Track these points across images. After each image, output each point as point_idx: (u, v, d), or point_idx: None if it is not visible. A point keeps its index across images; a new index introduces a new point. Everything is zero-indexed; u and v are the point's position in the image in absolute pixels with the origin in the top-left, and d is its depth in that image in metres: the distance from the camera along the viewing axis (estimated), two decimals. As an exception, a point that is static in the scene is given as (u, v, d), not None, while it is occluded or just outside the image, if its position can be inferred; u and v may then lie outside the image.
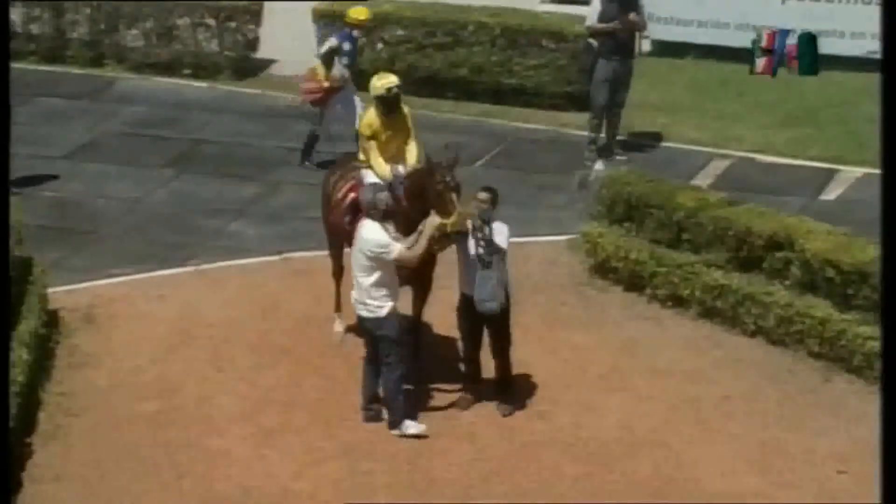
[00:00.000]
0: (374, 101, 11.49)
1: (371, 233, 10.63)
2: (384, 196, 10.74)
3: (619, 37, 15.09)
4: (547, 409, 11.19)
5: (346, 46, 14.68)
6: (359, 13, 14.78)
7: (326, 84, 14.63)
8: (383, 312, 10.67)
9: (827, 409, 11.12)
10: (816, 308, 11.63)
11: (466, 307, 11.00)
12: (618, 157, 15.14)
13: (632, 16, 14.98)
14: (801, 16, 17.08)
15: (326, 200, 11.86)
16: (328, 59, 14.60)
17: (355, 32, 14.84)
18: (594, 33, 15.36)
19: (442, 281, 11.47)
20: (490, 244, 10.80)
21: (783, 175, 15.18)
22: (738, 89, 16.80)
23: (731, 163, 15.53)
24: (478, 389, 11.17)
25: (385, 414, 10.92)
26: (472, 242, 10.86)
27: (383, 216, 10.65)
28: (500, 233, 10.90)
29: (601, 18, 15.15)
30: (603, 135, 15.47)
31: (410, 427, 10.80)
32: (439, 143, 11.75)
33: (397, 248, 10.59)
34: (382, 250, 10.57)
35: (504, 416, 11.04)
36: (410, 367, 11.25)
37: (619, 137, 15.57)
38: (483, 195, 10.93)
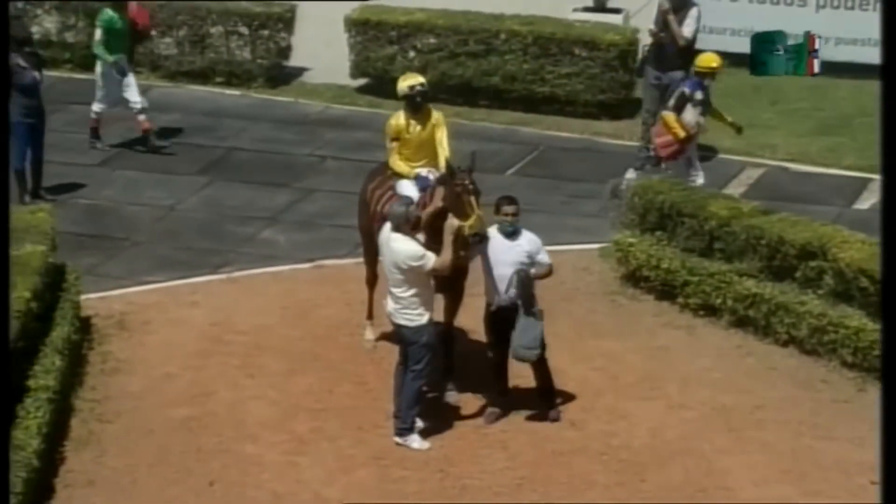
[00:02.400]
0: (403, 101, 11.60)
1: (404, 245, 10.60)
2: (400, 210, 10.70)
3: (662, 45, 15.07)
4: (578, 417, 11.17)
5: (699, 95, 14.32)
6: (709, 60, 14.19)
7: (682, 134, 13.98)
8: (424, 321, 10.66)
9: (861, 418, 11.05)
10: (850, 318, 11.58)
11: (494, 318, 10.97)
12: (664, 168, 15.03)
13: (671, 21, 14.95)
14: (834, 24, 17.02)
15: (364, 208, 11.88)
16: (679, 107, 14.19)
17: (706, 81, 14.22)
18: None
19: (472, 289, 11.46)
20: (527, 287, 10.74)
21: (817, 184, 15.13)
22: (771, 97, 16.75)
23: (764, 171, 15.49)
24: (506, 401, 11.13)
25: (418, 422, 10.91)
26: (501, 255, 10.80)
27: (401, 229, 10.61)
28: (536, 245, 10.87)
29: (655, 23, 15.19)
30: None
31: (415, 442, 10.76)
32: (469, 151, 11.74)
33: (432, 259, 10.57)
34: (419, 262, 10.55)
35: (554, 420, 11.01)
36: (443, 374, 11.28)
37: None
38: (510, 208, 10.89)
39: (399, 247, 10.60)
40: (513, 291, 10.77)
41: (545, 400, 11.13)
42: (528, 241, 10.93)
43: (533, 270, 10.87)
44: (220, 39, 18.03)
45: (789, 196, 14.50)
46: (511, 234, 10.87)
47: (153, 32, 16.72)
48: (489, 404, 11.18)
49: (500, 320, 10.91)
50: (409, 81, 11.64)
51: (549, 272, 11.07)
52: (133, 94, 15.76)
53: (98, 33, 15.64)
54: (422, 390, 10.80)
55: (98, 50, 15.64)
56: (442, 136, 11.62)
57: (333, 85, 17.79)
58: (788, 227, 12.23)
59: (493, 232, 10.89)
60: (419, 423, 10.88)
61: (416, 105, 11.55)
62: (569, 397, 11.34)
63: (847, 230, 12.18)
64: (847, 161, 15.50)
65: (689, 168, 14.20)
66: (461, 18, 17.29)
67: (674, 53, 15.12)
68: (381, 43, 17.44)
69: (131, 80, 15.76)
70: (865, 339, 11.45)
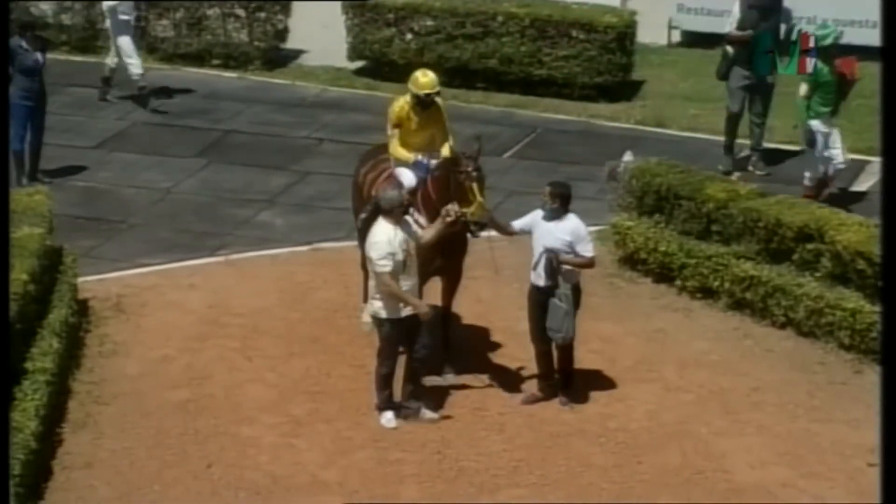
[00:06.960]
0: (410, 96, 11.43)
1: (373, 234, 10.60)
2: (394, 194, 10.67)
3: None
4: (576, 399, 11.17)
5: None
6: None
7: None
8: (383, 315, 10.69)
9: (857, 400, 11.07)
10: (847, 300, 11.59)
11: (532, 300, 10.94)
12: (756, 172, 14.81)
13: None
14: (830, 6, 17.00)
15: (357, 191, 11.88)
16: None
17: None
18: (732, 41, 15.06)
19: (470, 272, 11.47)
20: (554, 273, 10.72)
21: (814, 166, 15.10)
22: (769, 80, 16.71)
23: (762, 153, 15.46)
24: (551, 385, 11.08)
25: (423, 409, 10.95)
26: (540, 237, 10.78)
27: (392, 213, 10.55)
28: (576, 234, 10.79)
29: (740, 26, 14.86)
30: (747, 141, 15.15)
31: (383, 419, 10.83)
32: (468, 134, 11.76)
33: (377, 259, 10.47)
34: (370, 253, 10.55)
35: (563, 405, 11.01)
36: (440, 356, 11.30)
37: (759, 148, 15.17)
38: (546, 188, 10.85)
39: (370, 234, 10.61)
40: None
41: (565, 384, 11.10)
42: (570, 228, 10.84)
43: (564, 255, 10.81)
44: (216, 22, 18.02)
45: (787, 178, 14.49)
46: (551, 216, 10.85)
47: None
48: (532, 393, 11.09)
49: (536, 302, 10.91)
50: (424, 89, 11.32)
51: (586, 263, 10.94)
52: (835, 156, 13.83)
53: (804, 88, 13.79)
54: (384, 378, 10.79)
55: (801, 106, 13.84)
56: (444, 122, 11.58)
57: (330, 67, 17.79)
58: (786, 209, 12.23)
59: (538, 214, 10.90)
60: (426, 413, 10.90)
61: (424, 105, 11.44)
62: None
63: (844, 212, 12.19)
64: (845, 143, 15.46)
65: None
66: (458, 1, 17.28)
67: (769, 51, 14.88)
68: (378, 25, 17.43)
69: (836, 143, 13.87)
70: (862, 322, 11.46)
